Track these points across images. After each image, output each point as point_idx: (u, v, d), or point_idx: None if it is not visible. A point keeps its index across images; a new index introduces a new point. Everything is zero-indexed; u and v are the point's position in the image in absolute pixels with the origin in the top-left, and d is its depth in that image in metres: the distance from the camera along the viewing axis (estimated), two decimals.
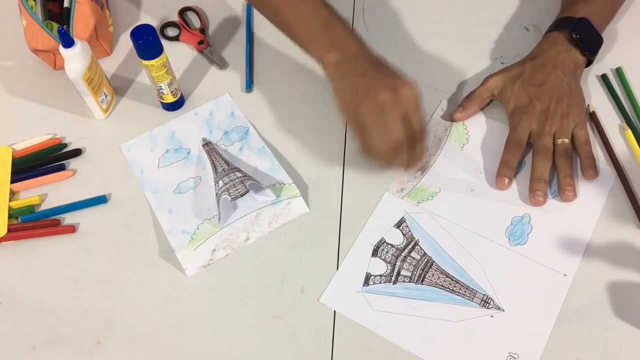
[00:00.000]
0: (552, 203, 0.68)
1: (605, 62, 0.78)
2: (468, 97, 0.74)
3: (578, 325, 0.61)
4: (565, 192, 0.67)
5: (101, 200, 0.70)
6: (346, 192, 0.70)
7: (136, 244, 0.68)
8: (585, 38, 0.72)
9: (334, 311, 0.63)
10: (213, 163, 0.71)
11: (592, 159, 0.69)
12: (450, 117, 0.74)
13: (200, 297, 0.64)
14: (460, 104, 0.74)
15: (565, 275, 0.63)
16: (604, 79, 0.76)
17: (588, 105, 0.74)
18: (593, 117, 0.73)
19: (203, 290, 0.65)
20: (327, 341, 0.61)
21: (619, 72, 0.77)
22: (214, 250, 0.67)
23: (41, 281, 0.66)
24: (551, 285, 0.63)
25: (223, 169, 0.69)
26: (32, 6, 0.77)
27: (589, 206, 0.67)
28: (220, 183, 0.68)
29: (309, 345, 0.61)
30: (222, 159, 0.71)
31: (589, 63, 0.74)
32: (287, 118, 0.76)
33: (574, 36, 0.71)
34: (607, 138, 0.72)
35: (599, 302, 0.62)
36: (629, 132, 0.72)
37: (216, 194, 0.67)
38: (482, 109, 0.75)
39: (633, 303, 0.62)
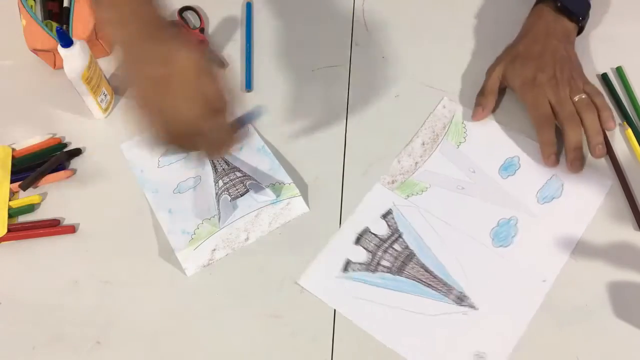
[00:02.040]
0: (542, 208, 0.68)
1: (605, 62, 0.78)
2: (482, 94, 0.74)
3: (578, 325, 0.61)
4: (596, 150, 0.68)
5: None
6: (346, 192, 0.70)
7: (136, 244, 0.68)
8: (570, 3, 0.73)
9: (334, 311, 0.63)
10: (213, 163, 0.71)
11: (609, 110, 0.70)
12: (472, 118, 0.73)
13: (200, 297, 0.64)
14: (477, 104, 0.74)
15: (544, 281, 0.63)
16: (605, 78, 0.76)
17: None
18: None
19: (203, 290, 0.65)
20: (327, 341, 0.61)
21: (619, 71, 0.76)
22: (214, 250, 0.67)
23: (41, 281, 0.66)
24: (529, 289, 0.63)
25: (223, 169, 0.69)
26: (31, 6, 0.77)
27: (578, 214, 0.67)
28: (220, 183, 0.68)
29: (309, 345, 0.61)
30: (222, 159, 0.71)
31: (581, 30, 0.75)
32: (287, 118, 0.76)
33: (558, 4, 0.73)
34: (607, 137, 0.71)
35: (599, 302, 0.62)
36: (629, 131, 0.72)
37: (216, 194, 0.67)
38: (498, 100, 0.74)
39: (633, 303, 0.62)
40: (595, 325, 0.61)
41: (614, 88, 0.75)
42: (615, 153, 0.70)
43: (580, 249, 0.65)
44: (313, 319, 0.62)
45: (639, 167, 0.70)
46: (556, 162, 0.69)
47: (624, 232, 0.66)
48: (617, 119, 0.73)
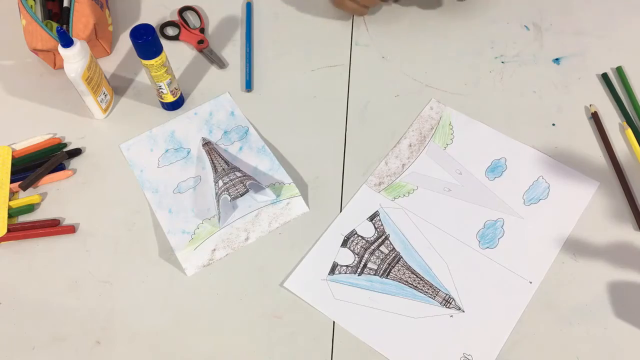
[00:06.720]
0: (528, 210, 0.68)
1: (605, 62, 0.78)
2: None
3: (578, 325, 0.61)
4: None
5: None
6: (346, 192, 0.70)
7: (136, 244, 0.68)
8: None
9: None
10: (213, 163, 0.71)
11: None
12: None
13: (200, 297, 0.64)
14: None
15: (530, 282, 0.63)
16: (605, 78, 0.76)
17: (590, 105, 0.74)
18: (595, 118, 0.73)
19: (203, 290, 0.65)
20: (327, 341, 0.61)
21: (619, 71, 0.76)
22: (214, 250, 0.67)
23: (41, 281, 0.66)
24: (515, 291, 0.63)
25: (223, 169, 0.69)
26: (31, 6, 0.77)
27: (565, 215, 0.67)
28: (220, 183, 0.68)
29: (309, 345, 0.61)
30: (222, 159, 0.71)
31: None
32: (287, 118, 0.76)
33: None
34: (607, 137, 0.71)
35: (599, 302, 0.62)
36: (629, 131, 0.72)
37: (216, 194, 0.67)
38: None
39: (633, 303, 0.62)
40: (595, 325, 0.61)
41: (614, 88, 0.75)
42: (616, 153, 0.70)
43: (579, 249, 0.65)
44: (313, 319, 0.63)
45: (639, 167, 0.70)
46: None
47: (624, 232, 0.66)
48: (618, 118, 0.73)
